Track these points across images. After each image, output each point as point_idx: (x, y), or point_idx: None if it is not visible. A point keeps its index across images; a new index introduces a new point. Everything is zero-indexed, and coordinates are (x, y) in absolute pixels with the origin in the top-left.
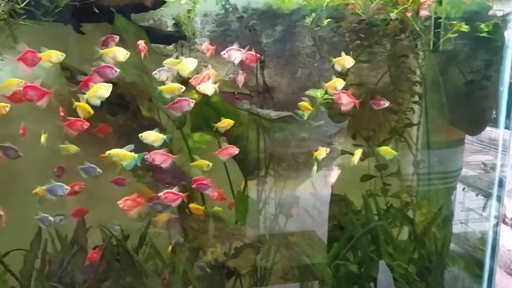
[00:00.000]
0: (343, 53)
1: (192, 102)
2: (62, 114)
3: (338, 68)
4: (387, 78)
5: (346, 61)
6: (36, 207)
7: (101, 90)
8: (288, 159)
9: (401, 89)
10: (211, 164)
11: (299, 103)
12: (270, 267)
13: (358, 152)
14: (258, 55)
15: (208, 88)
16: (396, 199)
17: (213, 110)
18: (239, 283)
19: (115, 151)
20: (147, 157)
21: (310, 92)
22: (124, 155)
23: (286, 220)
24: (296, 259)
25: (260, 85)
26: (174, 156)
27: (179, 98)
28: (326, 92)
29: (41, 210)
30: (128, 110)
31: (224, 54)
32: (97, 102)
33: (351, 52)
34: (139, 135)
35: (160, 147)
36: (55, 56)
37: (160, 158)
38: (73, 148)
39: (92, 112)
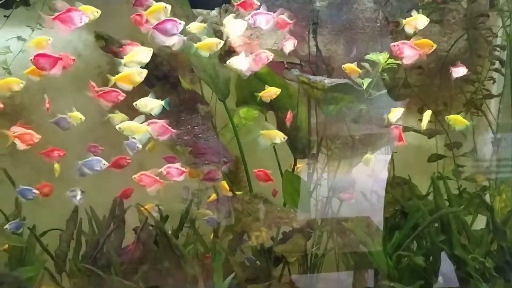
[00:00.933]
0: (414, 12)
1: (271, 55)
2: (93, 88)
3: (409, 30)
4: (461, 44)
5: (418, 21)
6: (80, 185)
7: (141, 55)
8: (344, 136)
9: (479, 55)
10: (285, 137)
11: (343, 66)
12: (322, 255)
13: (428, 115)
14: (290, 20)
15: (240, 62)
16: (471, 182)
17: (261, 82)
18: (287, 271)
19: (126, 124)
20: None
21: (371, 56)
22: (137, 128)
23: (339, 204)
24: (350, 247)
25: (312, 54)
26: (173, 130)
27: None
28: (391, 56)
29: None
30: (167, 81)
31: (249, 19)
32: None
33: (420, 10)
34: (134, 103)
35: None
36: (90, 12)
37: (159, 129)
38: (122, 117)
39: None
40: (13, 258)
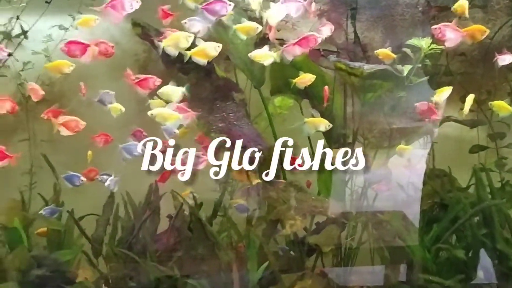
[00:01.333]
0: None
1: (319, 37)
2: (130, 75)
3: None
4: (505, 31)
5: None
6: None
7: (181, 40)
8: (381, 125)
9: None
10: (330, 124)
11: (375, 52)
12: (356, 247)
13: (471, 99)
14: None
15: (264, 55)
16: None
17: (295, 70)
18: (320, 262)
19: (158, 111)
20: None
21: (412, 41)
22: (169, 115)
23: (375, 195)
24: (386, 240)
25: (349, 41)
26: (194, 112)
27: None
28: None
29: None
30: (201, 68)
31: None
32: (174, 53)
33: None
34: (158, 92)
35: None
36: None
37: (182, 112)
38: (161, 103)
39: None
40: (52, 241)
